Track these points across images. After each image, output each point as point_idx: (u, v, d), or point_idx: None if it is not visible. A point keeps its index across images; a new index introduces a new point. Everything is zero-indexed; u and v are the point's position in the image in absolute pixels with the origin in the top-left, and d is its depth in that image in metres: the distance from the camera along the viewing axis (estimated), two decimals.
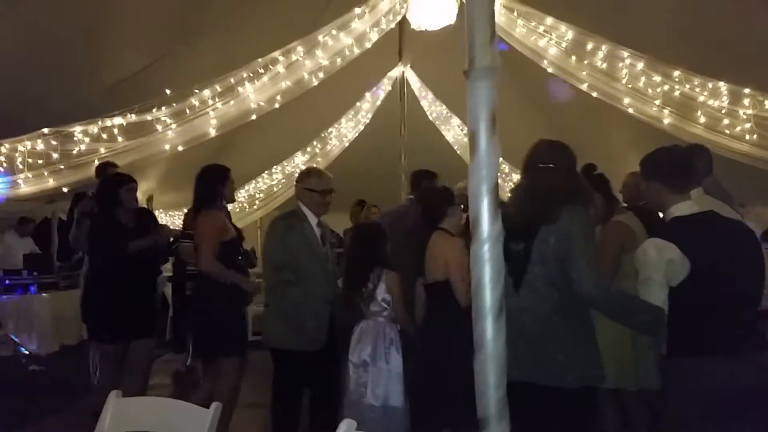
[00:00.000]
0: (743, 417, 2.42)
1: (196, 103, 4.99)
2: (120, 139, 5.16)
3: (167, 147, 5.07)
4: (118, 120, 5.13)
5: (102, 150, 5.15)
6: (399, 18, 6.01)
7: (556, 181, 2.61)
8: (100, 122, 5.13)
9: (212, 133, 5.11)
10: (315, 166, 3.67)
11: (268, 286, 3.91)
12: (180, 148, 5.11)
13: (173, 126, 5.00)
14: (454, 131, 8.39)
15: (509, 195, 2.84)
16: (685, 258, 2.40)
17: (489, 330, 2.13)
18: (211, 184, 3.96)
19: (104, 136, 5.19)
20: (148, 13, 5.92)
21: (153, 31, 6.26)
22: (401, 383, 3.56)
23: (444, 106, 8.29)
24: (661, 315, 2.46)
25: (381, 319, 3.65)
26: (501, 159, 8.57)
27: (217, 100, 5.01)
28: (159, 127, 5.01)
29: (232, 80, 5.01)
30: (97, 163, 5.07)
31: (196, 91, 5.02)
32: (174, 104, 5.00)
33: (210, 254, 3.82)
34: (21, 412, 4.77)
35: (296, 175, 8.53)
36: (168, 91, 5.09)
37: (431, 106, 8.42)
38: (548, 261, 2.50)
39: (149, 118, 5.02)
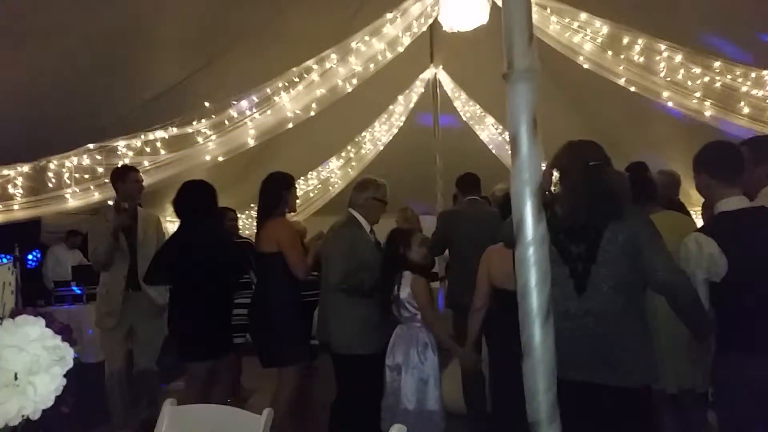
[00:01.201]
0: None
1: (235, 114, 5.09)
2: (162, 151, 5.29)
3: (208, 158, 5.18)
4: (159, 133, 5.25)
5: (145, 163, 5.28)
6: (431, 21, 6.02)
7: (616, 178, 2.61)
8: (142, 136, 5.26)
9: (251, 143, 5.21)
10: (369, 176, 3.73)
11: (331, 291, 3.92)
12: (220, 159, 5.22)
13: (213, 137, 5.10)
14: (488, 131, 8.35)
15: (556, 195, 2.74)
16: (722, 254, 2.39)
17: (537, 334, 2.13)
18: (277, 191, 4.04)
19: (147, 149, 5.32)
20: (183, 28, 6.05)
21: (188, 45, 6.39)
22: (438, 387, 3.60)
23: (477, 106, 8.26)
24: (711, 315, 2.46)
25: (417, 324, 3.69)
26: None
27: (254, 110, 5.10)
28: (200, 139, 5.12)
29: (269, 90, 5.09)
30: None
31: (234, 102, 5.11)
32: (213, 116, 5.11)
33: (305, 260, 3.94)
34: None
35: (332, 179, 8.80)
36: (207, 104, 5.20)
37: (464, 106, 8.40)
38: (617, 260, 2.43)
39: (190, 130, 5.13)
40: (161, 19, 5.70)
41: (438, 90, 8.12)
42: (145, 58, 6.15)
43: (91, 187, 5.21)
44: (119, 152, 5.20)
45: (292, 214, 4.35)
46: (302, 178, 9.11)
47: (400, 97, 8.26)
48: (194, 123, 5.10)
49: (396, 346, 3.70)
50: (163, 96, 6.43)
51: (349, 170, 8.88)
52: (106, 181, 5.08)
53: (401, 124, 8.57)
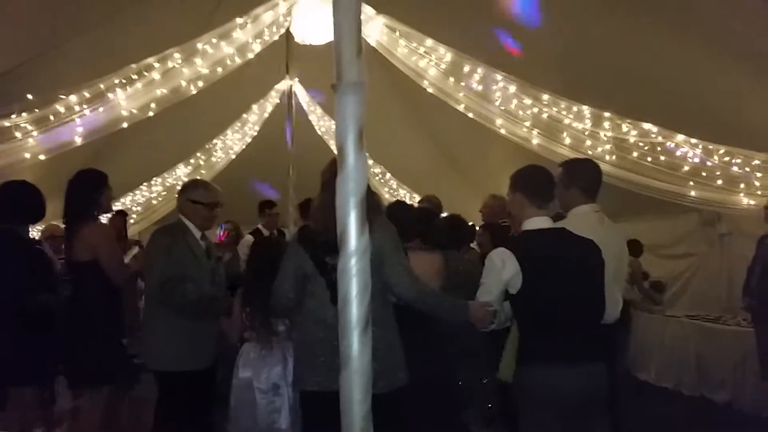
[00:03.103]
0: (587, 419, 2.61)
1: (62, 110, 4.65)
2: None
3: (27, 155, 4.67)
4: None
5: None
6: (282, 31, 5.97)
7: (369, 194, 2.79)
8: None
9: (78, 141, 4.78)
10: (200, 178, 3.47)
11: (151, 303, 3.66)
12: (42, 157, 4.73)
13: (34, 133, 4.61)
14: None
15: (313, 210, 2.98)
16: (518, 267, 2.61)
17: (355, 344, 2.12)
18: (87, 191, 3.65)
19: None
20: (12, 13, 5.47)
21: (16, 32, 5.78)
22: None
23: (333, 122, 8.29)
24: (460, 306, 2.90)
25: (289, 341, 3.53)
26: (386, 171, 8.88)
27: (84, 106, 4.69)
28: (18, 134, 4.61)
29: (102, 86, 4.72)
30: None
31: (62, 96, 4.67)
32: (36, 110, 4.62)
33: (124, 266, 3.61)
34: None
35: (178, 187, 8.38)
36: (30, 96, 4.71)
37: (320, 120, 8.43)
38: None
39: (7, 123, 4.60)
40: None
41: (293, 102, 8.07)
42: None
43: None
44: None
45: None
46: (145, 183, 8.61)
47: (255, 106, 8.11)
48: (13, 116, 4.58)
49: (266, 366, 3.51)
50: None
51: (198, 178, 8.52)
52: None
53: (255, 133, 8.40)
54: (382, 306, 2.76)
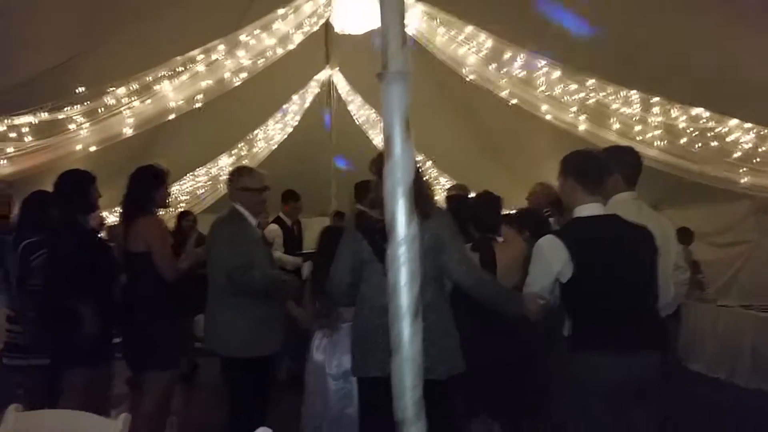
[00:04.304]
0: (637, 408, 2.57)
1: (112, 102, 4.78)
2: (29, 138, 4.88)
3: (79, 147, 4.82)
4: (27, 118, 4.84)
5: (10, 150, 4.86)
6: (323, 21, 6.00)
7: (425, 183, 2.89)
8: (7, 120, 4.83)
9: (127, 132, 4.91)
10: (245, 164, 3.49)
11: (216, 291, 3.66)
12: (93, 148, 4.87)
13: (86, 125, 4.76)
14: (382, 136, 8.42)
15: (373, 198, 2.91)
16: (569, 256, 2.57)
17: (406, 332, 2.14)
18: (146, 186, 3.73)
19: (12, 135, 4.90)
20: (62, 9, 5.63)
21: (67, 27, 5.96)
22: None
23: (372, 110, 8.33)
24: (515, 298, 2.86)
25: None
26: (429, 163, 8.85)
27: (133, 98, 4.81)
28: (71, 126, 4.76)
29: (149, 78, 4.84)
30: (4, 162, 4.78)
31: (111, 89, 4.80)
32: (87, 102, 4.76)
33: (174, 262, 3.67)
34: None
35: (222, 177, 8.54)
36: (81, 89, 4.85)
37: (359, 110, 8.45)
38: (423, 258, 2.54)
39: (61, 116, 4.76)
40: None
41: (333, 92, 8.11)
42: (18, 39, 5.66)
43: None
44: None
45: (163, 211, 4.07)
46: (190, 174, 8.79)
47: (295, 97, 8.17)
48: (66, 109, 4.73)
49: (336, 353, 3.55)
50: (36, 80, 5.94)
51: (243, 165, 8.65)
52: None
53: (296, 123, 8.48)
54: (438, 292, 2.78)
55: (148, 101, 4.85)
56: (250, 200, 3.71)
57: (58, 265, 3.60)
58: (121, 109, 4.76)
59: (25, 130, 4.88)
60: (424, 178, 3.01)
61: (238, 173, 3.83)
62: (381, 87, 2.15)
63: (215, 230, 3.70)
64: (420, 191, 2.62)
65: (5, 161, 4.88)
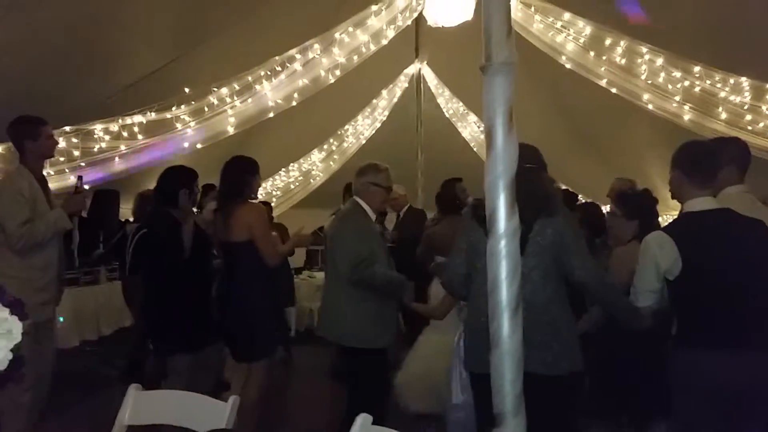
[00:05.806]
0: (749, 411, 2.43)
1: (215, 101, 5.03)
2: (140, 137, 5.21)
3: (186, 145, 5.11)
4: (137, 118, 5.17)
5: (122, 147, 5.20)
6: (415, 15, 6.01)
7: (547, 179, 2.82)
8: (120, 120, 5.18)
9: (230, 131, 5.15)
10: (372, 161, 3.48)
11: (337, 283, 3.71)
12: (199, 146, 5.15)
13: (192, 124, 5.04)
14: (470, 128, 8.37)
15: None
16: (677, 253, 2.46)
17: (506, 326, 2.13)
18: (241, 175, 3.86)
19: (124, 134, 5.24)
20: (164, 12, 5.98)
21: (170, 30, 6.32)
22: None
23: (461, 103, 8.27)
24: (632, 310, 2.70)
25: None
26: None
27: (235, 98, 5.04)
28: (178, 125, 5.05)
29: (250, 78, 5.04)
30: (117, 160, 5.14)
31: (215, 89, 5.05)
32: (193, 102, 5.04)
33: (277, 248, 3.82)
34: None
35: (314, 171, 8.76)
36: (187, 90, 5.13)
37: (448, 103, 8.42)
38: (545, 253, 2.61)
39: (168, 116, 5.06)
40: (142, 2, 5.62)
41: (422, 86, 8.11)
42: (127, 40, 6.07)
43: (66, 170, 5.11)
44: (96, 136, 5.12)
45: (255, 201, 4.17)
46: (283, 169, 9.07)
47: (384, 91, 8.24)
48: (173, 108, 5.02)
49: None
50: (143, 81, 6.35)
51: (331, 163, 8.86)
52: (83, 164, 5.00)
53: (384, 118, 8.56)
54: (559, 287, 2.68)
55: (249, 100, 5.06)
56: (375, 197, 3.73)
57: (153, 255, 3.82)
58: (226, 107, 4.98)
59: (135, 129, 5.21)
60: (548, 176, 2.92)
61: (374, 169, 3.82)
62: (484, 78, 2.13)
63: (341, 222, 3.76)
64: (544, 190, 2.66)
65: (119, 159, 5.20)
